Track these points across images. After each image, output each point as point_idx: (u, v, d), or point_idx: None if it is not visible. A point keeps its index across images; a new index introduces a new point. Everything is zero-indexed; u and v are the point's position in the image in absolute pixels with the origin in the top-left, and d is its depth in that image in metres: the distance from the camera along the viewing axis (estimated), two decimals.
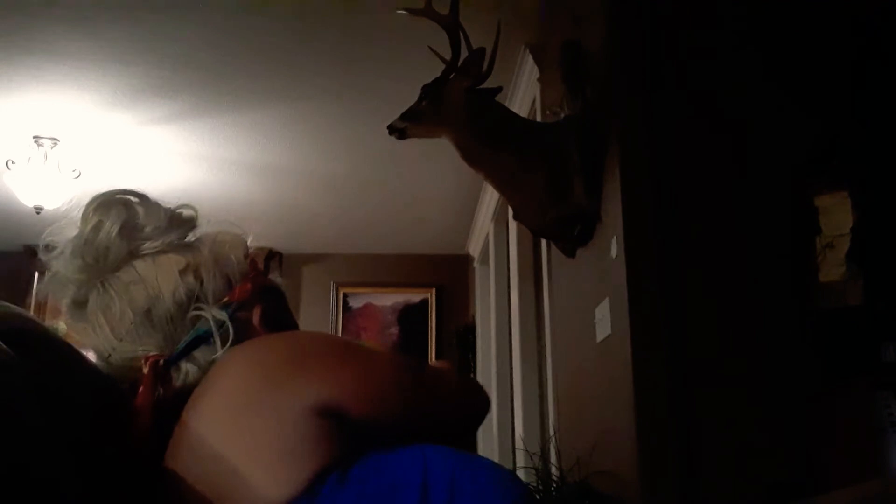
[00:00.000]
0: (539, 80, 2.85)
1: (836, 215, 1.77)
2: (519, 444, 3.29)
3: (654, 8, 1.94)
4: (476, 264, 5.20)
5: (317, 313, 5.63)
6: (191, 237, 0.91)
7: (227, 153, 4.06)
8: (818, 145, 1.82)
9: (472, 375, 4.75)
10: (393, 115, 1.98)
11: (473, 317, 5.18)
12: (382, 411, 0.79)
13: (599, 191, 2.00)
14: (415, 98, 1.99)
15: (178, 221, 0.91)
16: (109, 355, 0.85)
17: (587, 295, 2.08)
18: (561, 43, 2.23)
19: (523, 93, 3.15)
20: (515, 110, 2.92)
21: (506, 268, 4.05)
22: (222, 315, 0.85)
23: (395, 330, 5.72)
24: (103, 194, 0.89)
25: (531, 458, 2.32)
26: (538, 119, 2.74)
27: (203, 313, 0.84)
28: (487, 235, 4.56)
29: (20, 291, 4.24)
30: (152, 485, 0.78)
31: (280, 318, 0.92)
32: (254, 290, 0.89)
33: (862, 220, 1.74)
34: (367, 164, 4.25)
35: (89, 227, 0.86)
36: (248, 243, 0.93)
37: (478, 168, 2.07)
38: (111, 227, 0.86)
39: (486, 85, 1.99)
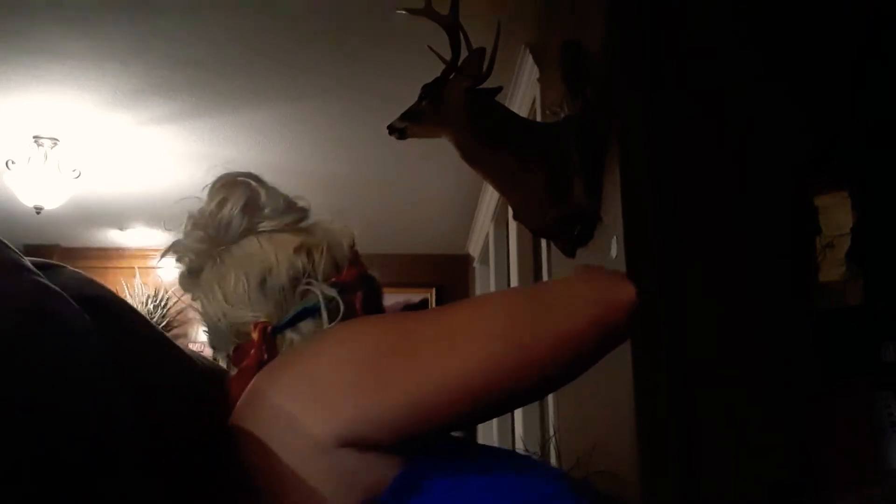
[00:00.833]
0: (539, 80, 2.85)
1: (836, 215, 1.77)
2: (519, 443, 3.29)
3: (654, 8, 1.94)
4: (476, 264, 5.20)
5: None
6: (303, 224, 0.97)
7: (227, 153, 4.06)
8: (818, 145, 1.82)
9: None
10: (393, 115, 1.98)
11: None
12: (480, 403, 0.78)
13: (599, 191, 1.99)
14: (415, 98, 1.99)
15: (294, 208, 0.97)
16: (219, 320, 0.90)
17: None
18: (561, 43, 2.23)
19: (523, 93, 3.15)
20: (515, 110, 2.92)
21: (506, 268, 4.05)
22: (332, 291, 0.89)
23: None
24: (230, 174, 0.96)
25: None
26: (538, 119, 2.74)
27: (313, 288, 0.89)
28: (487, 235, 4.56)
29: None
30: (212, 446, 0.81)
31: (377, 306, 0.97)
32: (358, 275, 0.94)
33: (862, 220, 1.74)
34: (367, 164, 4.24)
35: (214, 202, 0.92)
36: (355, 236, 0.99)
37: (478, 168, 2.07)
38: (235, 204, 0.92)
39: (486, 85, 1.99)
